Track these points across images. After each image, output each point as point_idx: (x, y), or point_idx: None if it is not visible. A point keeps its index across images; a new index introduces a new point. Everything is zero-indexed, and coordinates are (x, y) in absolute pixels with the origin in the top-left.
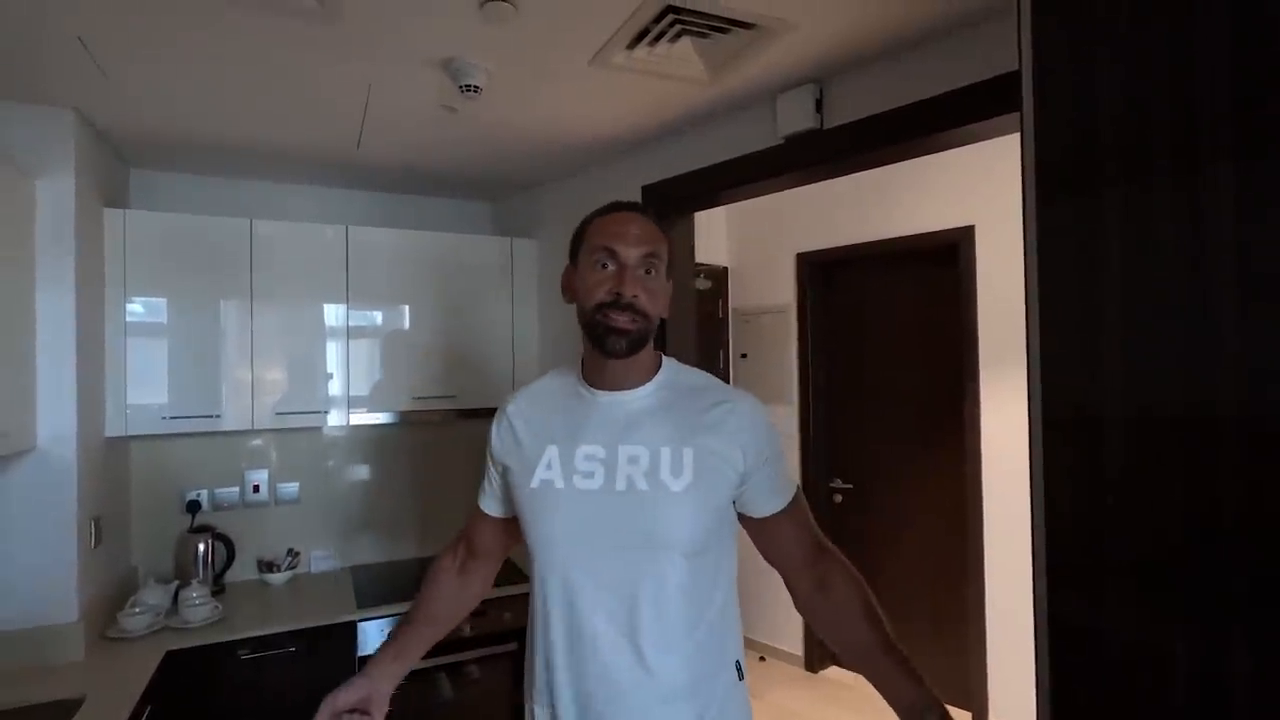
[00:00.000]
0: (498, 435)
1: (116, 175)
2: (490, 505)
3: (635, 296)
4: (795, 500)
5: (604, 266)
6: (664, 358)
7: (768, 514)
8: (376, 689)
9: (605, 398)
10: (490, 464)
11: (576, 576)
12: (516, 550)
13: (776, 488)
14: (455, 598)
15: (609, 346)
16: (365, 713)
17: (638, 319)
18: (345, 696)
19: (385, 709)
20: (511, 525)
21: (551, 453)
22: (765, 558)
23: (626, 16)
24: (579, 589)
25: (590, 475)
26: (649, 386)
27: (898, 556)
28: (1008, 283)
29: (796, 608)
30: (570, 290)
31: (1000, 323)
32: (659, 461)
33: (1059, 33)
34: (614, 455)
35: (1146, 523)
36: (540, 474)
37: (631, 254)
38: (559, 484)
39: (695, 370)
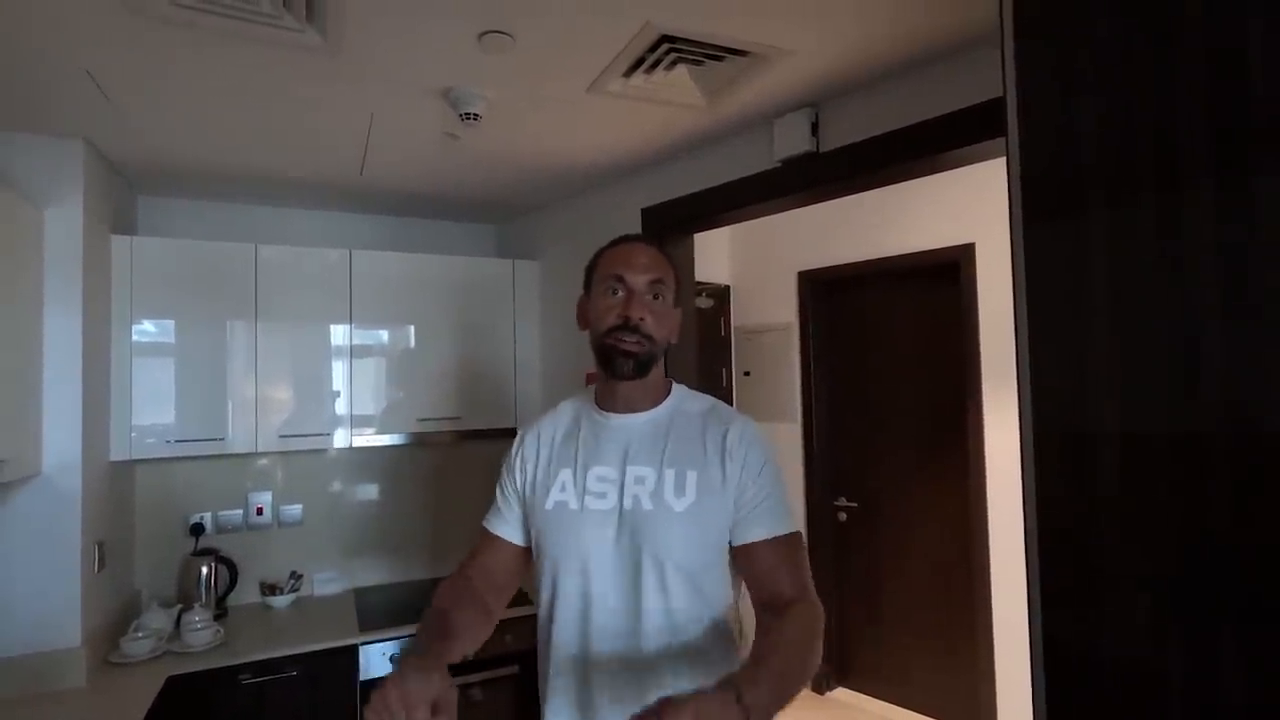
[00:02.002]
0: (515, 464)
1: (124, 202)
2: (505, 530)
3: (642, 319)
4: (789, 539)
5: (614, 293)
6: (674, 384)
7: (754, 540)
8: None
9: (617, 420)
10: (501, 491)
11: (586, 594)
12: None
13: (766, 513)
14: (473, 623)
15: (617, 369)
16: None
17: (644, 341)
18: (417, 692)
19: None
20: (520, 552)
21: (565, 476)
22: (751, 595)
23: (622, 46)
24: (589, 606)
25: (602, 496)
26: (658, 410)
27: (903, 573)
28: (1008, 299)
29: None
30: (584, 319)
31: (1001, 339)
32: (664, 482)
33: (1042, 58)
34: (623, 475)
35: (1138, 538)
36: (555, 496)
37: (639, 280)
38: (573, 505)
39: (703, 395)
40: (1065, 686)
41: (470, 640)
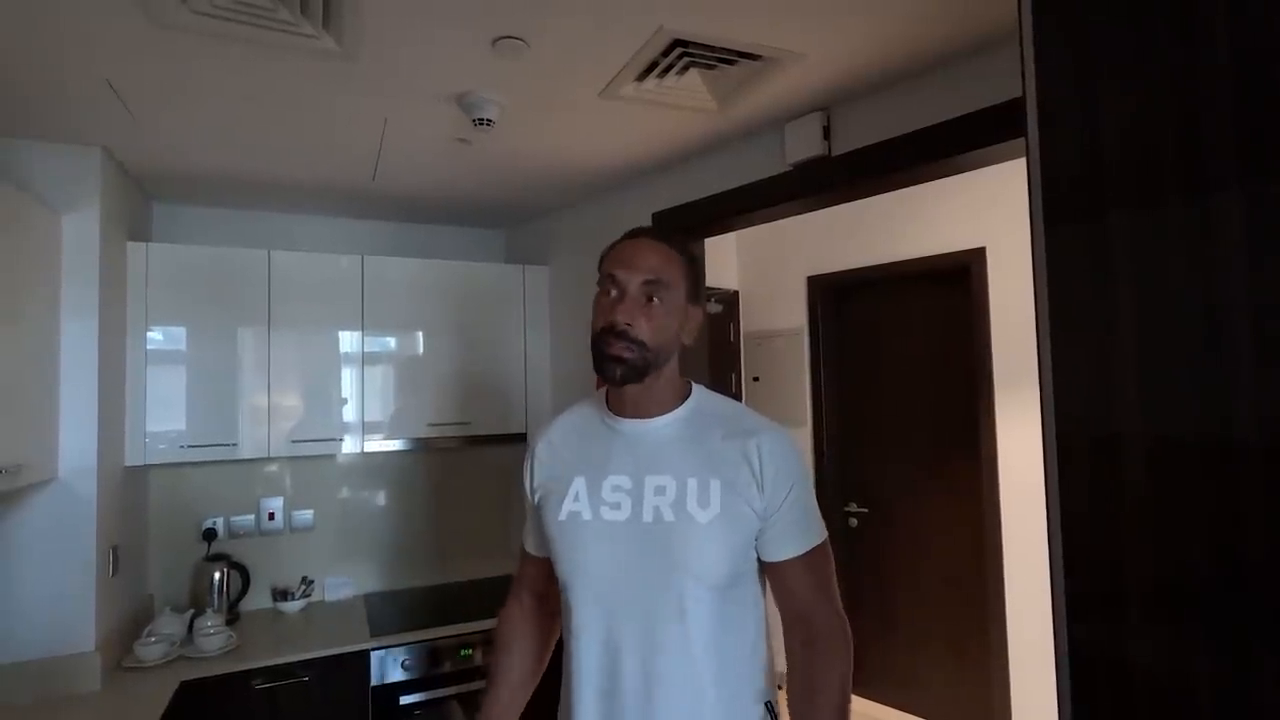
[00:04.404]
0: (529, 471)
1: (139, 209)
2: (533, 545)
3: (628, 325)
4: (817, 551)
5: (609, 293)
6: (694, 385)
7: (780, 559)
8: None
9: (629, 426)
10: (527, 502)
11: (605, 607)
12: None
13: (796, 531)
14: (533, 650)
15: (605, 372)
16: None
17: (634, 347)
18: None
19: None
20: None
21: (579, 484)
22: (779, 608)
23: (635, 50)
24: (608, 619)
25: (617, 506)
26: (675, 414)
27: (915, 579)
28: (1020, 304)
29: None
30: None
31: (1013, 343)
32: (686, 492)
33: (1063, 58)
34: (640, 486)
35: (1166, 545)
36: (568, 506)
37: (632, 280)
38: (586, 515)
39: (725, 399)
40: (1092, 697)
41: (532, 674)
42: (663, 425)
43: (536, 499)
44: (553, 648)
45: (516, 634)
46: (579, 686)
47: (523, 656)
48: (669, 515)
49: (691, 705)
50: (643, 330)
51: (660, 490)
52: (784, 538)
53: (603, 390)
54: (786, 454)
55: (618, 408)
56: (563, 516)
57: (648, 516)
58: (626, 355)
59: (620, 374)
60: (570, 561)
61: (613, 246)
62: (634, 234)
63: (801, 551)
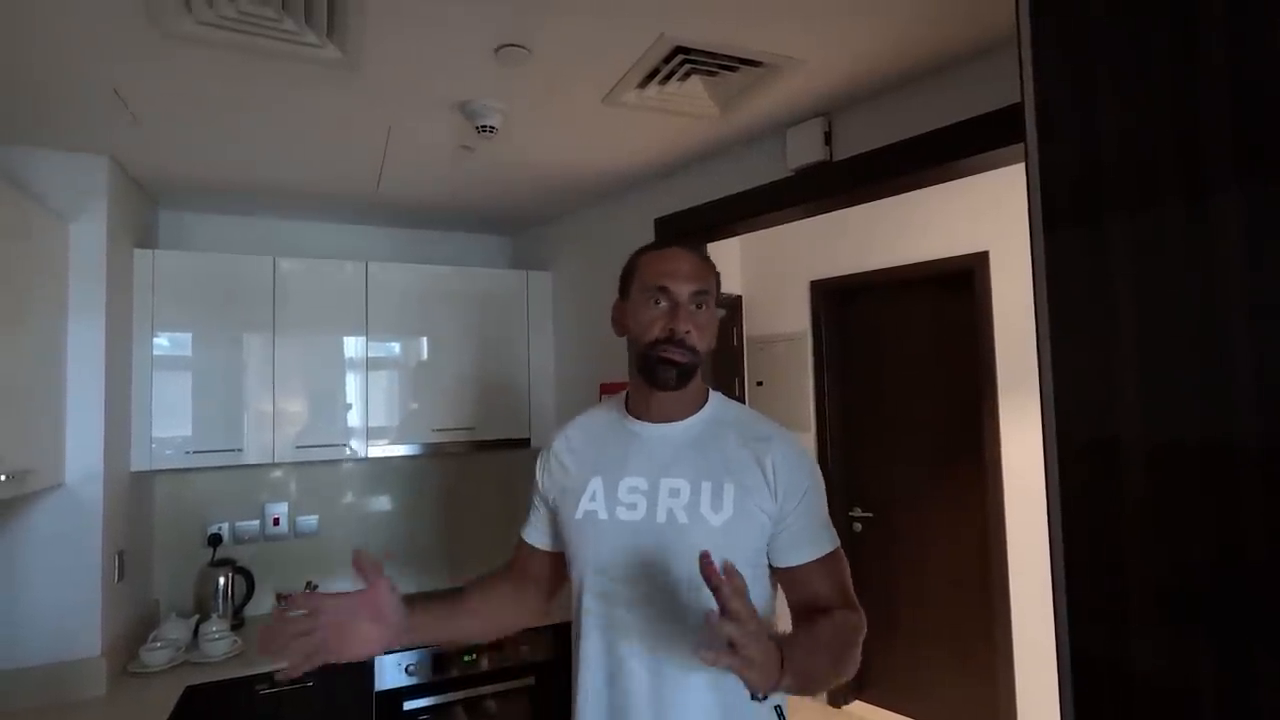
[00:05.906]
0: (544, 470)
1: (146, 216)
2: (534, 536)
3: (688, 332)
4: (832, 557)
5: (657, 303)
6: (711, 392)
7: (795, 564)
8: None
9: (649, 430)
10: (535, 497)
11: (617, 605)
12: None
13: (810, 536)
14: (492, 609)
15: (659, 377)
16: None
17: (689, 353)
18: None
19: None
20: (557, 559)
21: (595, 484)
22: (792, 615)
23: (637, 57)
24: (619, 618)
25: (633, 507)
26: (694, 420)
27: (920, 584)
28: (1023, 307)
29: None
30: (621, 325)
31: (1016, 347)
32: (700, 495)
33: (1061, 62)
34: (656, 487)
35: (1169, 549)
36: (584, 505)
37: (684, 291)
38: (602, 515)
39: (742, 405)
40: (1095, 702)
41: (476, 613)
42: (681, 429)
43: (551, 497)
44: (517, 618)
45: (491, 590)
46: (588, 683)
47: (482, 604)
48: (682, 517)
49: (700, 705)
50: (695, 337)
51: (675, 492)
52: (799, 542)
53: (621, 394)
54: (799, 461)
55: (639, 411)
56: (579, 515)
57: (661, 517)
58: (682, 360)
59: (675, 377)
60: (584, 559)
61: (643, 256)
62: (667, 244)
63: (818, 555)
